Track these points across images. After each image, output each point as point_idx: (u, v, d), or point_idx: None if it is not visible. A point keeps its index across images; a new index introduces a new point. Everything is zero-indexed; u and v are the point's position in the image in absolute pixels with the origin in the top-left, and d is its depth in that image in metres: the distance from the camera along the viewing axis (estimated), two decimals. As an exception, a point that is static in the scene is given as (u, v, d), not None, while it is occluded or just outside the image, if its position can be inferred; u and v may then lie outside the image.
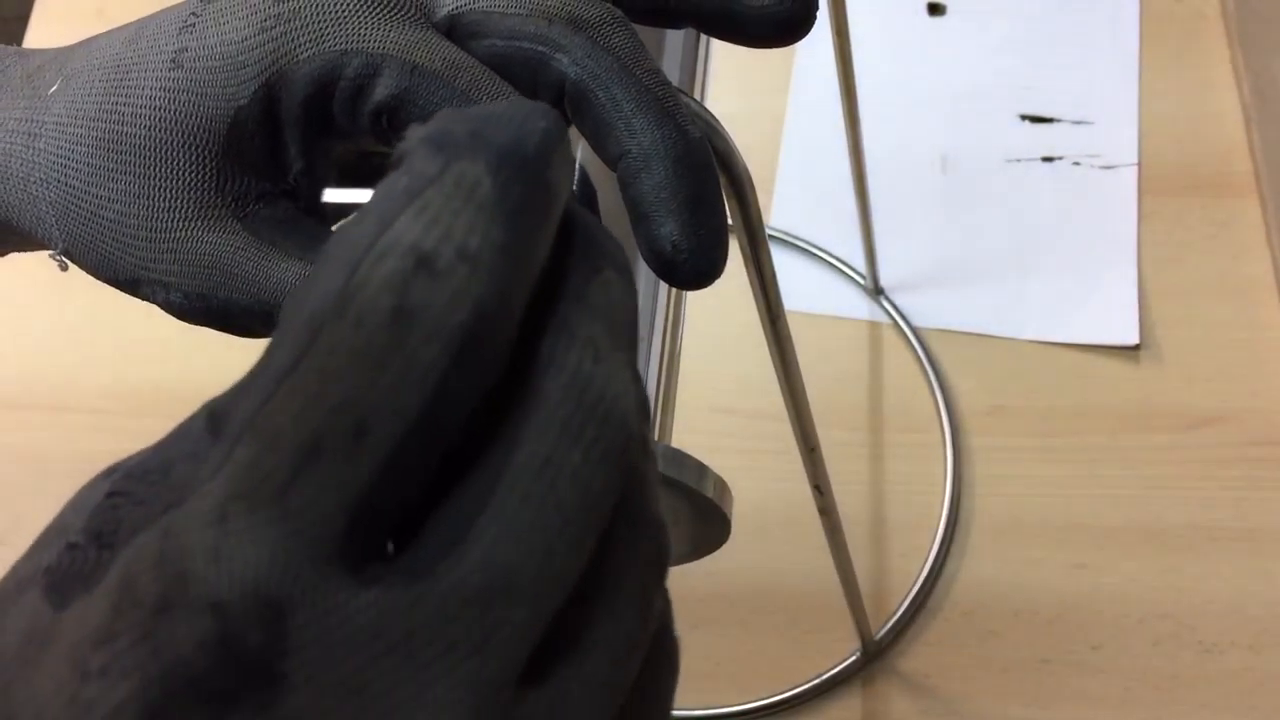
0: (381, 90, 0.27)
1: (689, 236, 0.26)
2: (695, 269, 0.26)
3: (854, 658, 0.61)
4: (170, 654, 0.16)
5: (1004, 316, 0.70)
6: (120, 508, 0.18)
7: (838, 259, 0.73)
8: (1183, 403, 0.66)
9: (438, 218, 0.18)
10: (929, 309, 0.71)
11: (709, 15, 0.30)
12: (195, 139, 0.28)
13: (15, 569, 0.19)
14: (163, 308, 0.30)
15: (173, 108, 0.28)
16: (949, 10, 0.82)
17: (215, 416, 0.18)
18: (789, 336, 0.38)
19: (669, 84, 0.28)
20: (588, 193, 0.30)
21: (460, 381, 0.18)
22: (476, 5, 0.28)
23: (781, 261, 0.71)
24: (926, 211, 0.74)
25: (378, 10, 0.28)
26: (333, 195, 0.28)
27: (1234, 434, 0.65)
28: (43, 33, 0.86)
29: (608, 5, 0.28)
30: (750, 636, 0.62)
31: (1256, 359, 0.67)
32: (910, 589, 0.62)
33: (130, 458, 0.19)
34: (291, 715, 0.17)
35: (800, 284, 0.72)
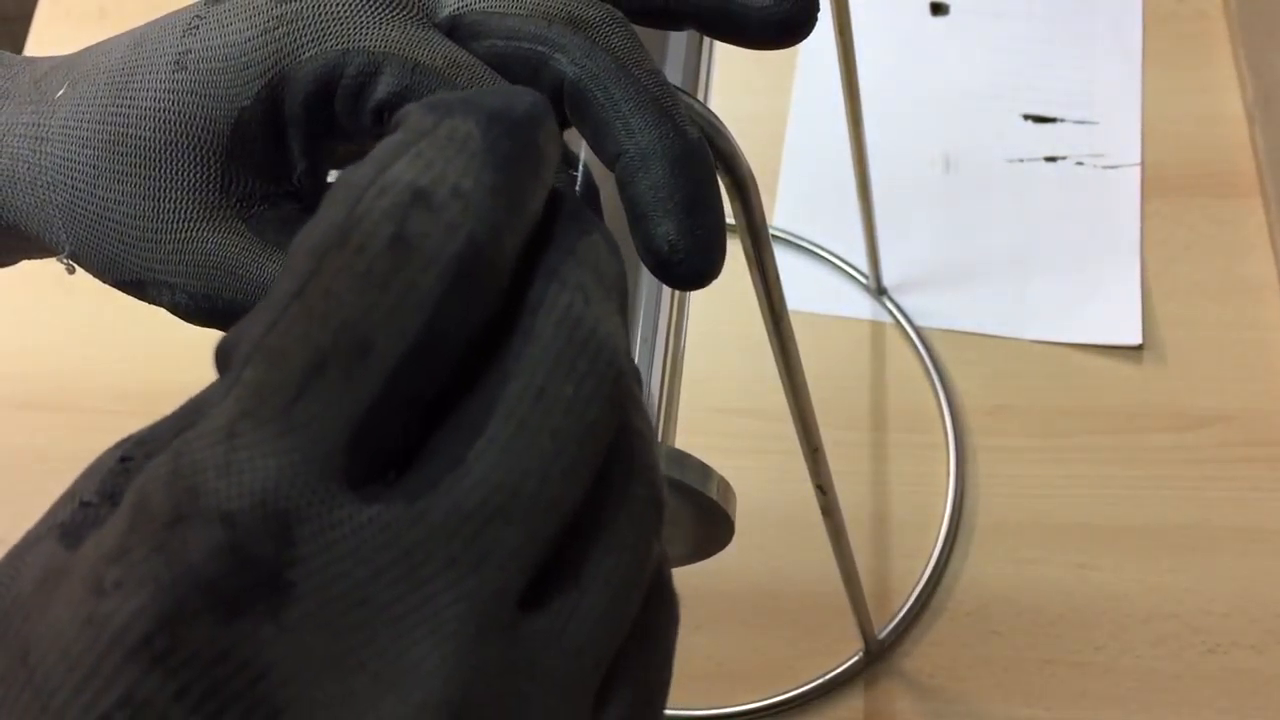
0: (383, 89, 0.28)
1: (686, 236, 0.26)
2: (692, 269, 0.26)
3: (857, 658, 0.61)
4: (182, 562, 0.17)
5: (1007, 316, 0.70)
6: (132, 470, 0.19)
7: (840, 259, 0.73)
8: (1185, 403, 0.66)
9: (432, 163, 0.19)
10: (932, 309, 0.71)
11: (709, 16, 0.30)
12: (200, 140, 0.29)
13: (28, 533, 0.20)
14: (168, 309, 0.30)
15: (177, 109, 0.29)
16: (952, 10, 0.82)
17: (223, 352, 0.19)
18: (792, 337, 0.38)
19: (667, 84, 0.28)
20: (590, 193, 0.30)
21: (456, 309, 0.19)
22: (477, 5, 0.28)
23: (784, 261, 0.71)
24: (929, 211, 0.74)
25: (379, 10, 0.28)
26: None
27: (1237, 434, 0.65)
28: (45, 33, 0.86)
29: (607, 6, 0.28)
30: (753, 636, 0.62)
31: (1259, 359, 0.67)
32: (913, 589, 0.62)
33: (142, 428, 0.20)
34: (298, 622, 0.17)
35: (803, 284, 0.72)
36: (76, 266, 0.31)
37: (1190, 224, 0.72)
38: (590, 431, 0.19)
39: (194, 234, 0.29)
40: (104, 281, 0.31)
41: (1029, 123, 0.77)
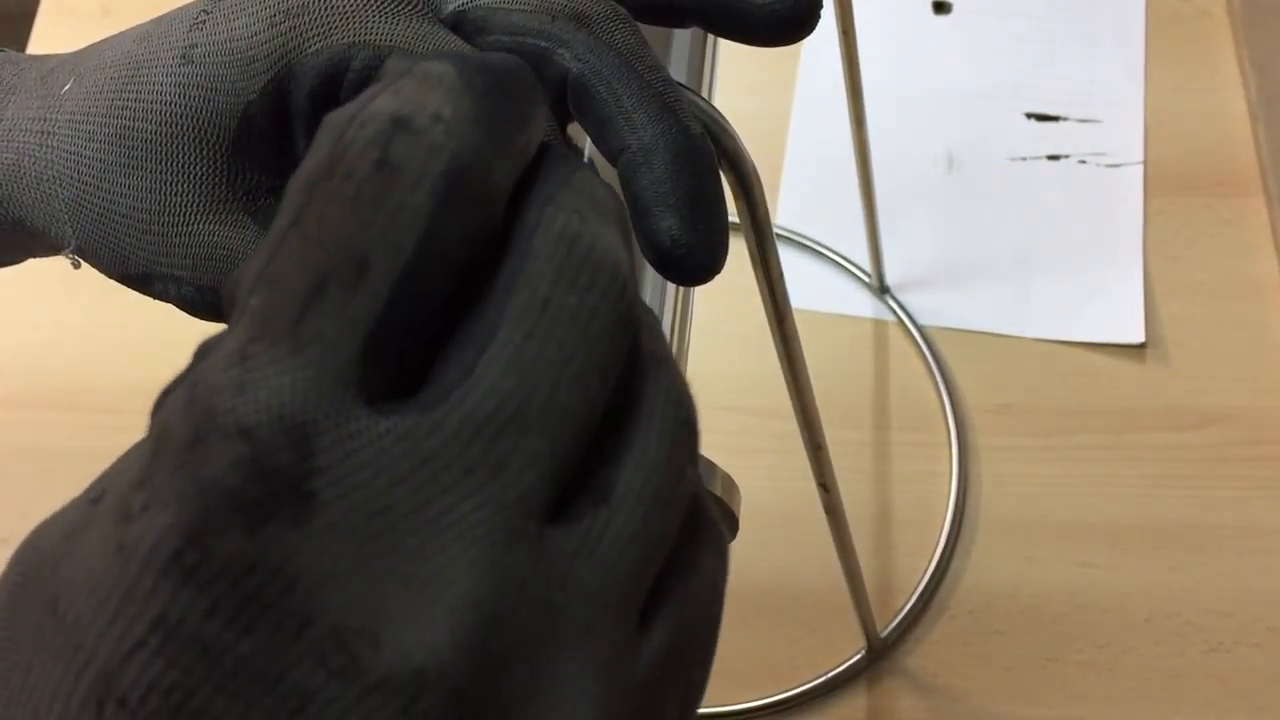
0: None
1: (688, 231, 0.26)
2: (694, 264, 0.26)
3: (859, 656, 0.61)
4: (204, 476, 0.17)
5: (1009, 315, 0.70)
6: None
7: (843, 257, 0.73)
8: (1188, 401, 0.66)
9: (411, 96, 0.19)
10: (934, 307, 0.71)
11: (713, 13, 0.30)
12: (206, 134, 0.29)
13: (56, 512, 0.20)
14: (174, 303, 0.30)
15: (183, 103, 0.29)
16: (954, 8, 0.81)
17: (230, 294, 0.19)
18: (796, 336, 0.38)
19: (671, 80, 0.28)
20: None
21: (448, 227, 0.19)
22: (482, 1, 0.29)
23: (786, 259, 0.70)
24: (932, 210, 0.74)
25: (385, 5, 0.28)
26: None
27: (1240, 432, 0.65)
28: (48, 31, 0.87)
29: (611, 3, 0.28)
30: (755, 635, 0.62)
31: (1262, 357, 0.67)
32: (916, 587, 0.62)
33: None
34: (323, 531, 0.17)
35: (805, 282, 0.72)
36: (82, 261, 0.31)
37: (1193, 223, 0.72)
38: (598, 341, 0.19)
39: (200, 227, 0.29)
40: (109, 276, 0.31)
41: (1031, 121, 0.77)
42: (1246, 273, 0.70)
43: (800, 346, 0.39)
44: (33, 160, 0.30)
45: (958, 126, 0.77)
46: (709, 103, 0.31)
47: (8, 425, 0.72)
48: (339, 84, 0.28)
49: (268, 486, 0.17)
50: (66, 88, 0.31)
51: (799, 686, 0.60)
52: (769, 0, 0.29)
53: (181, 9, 0.30)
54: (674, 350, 0.32)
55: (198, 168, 0.29)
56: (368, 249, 0.18)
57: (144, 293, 0.31)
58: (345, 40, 0.28)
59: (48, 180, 0.30)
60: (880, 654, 0.61)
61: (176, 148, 0.29)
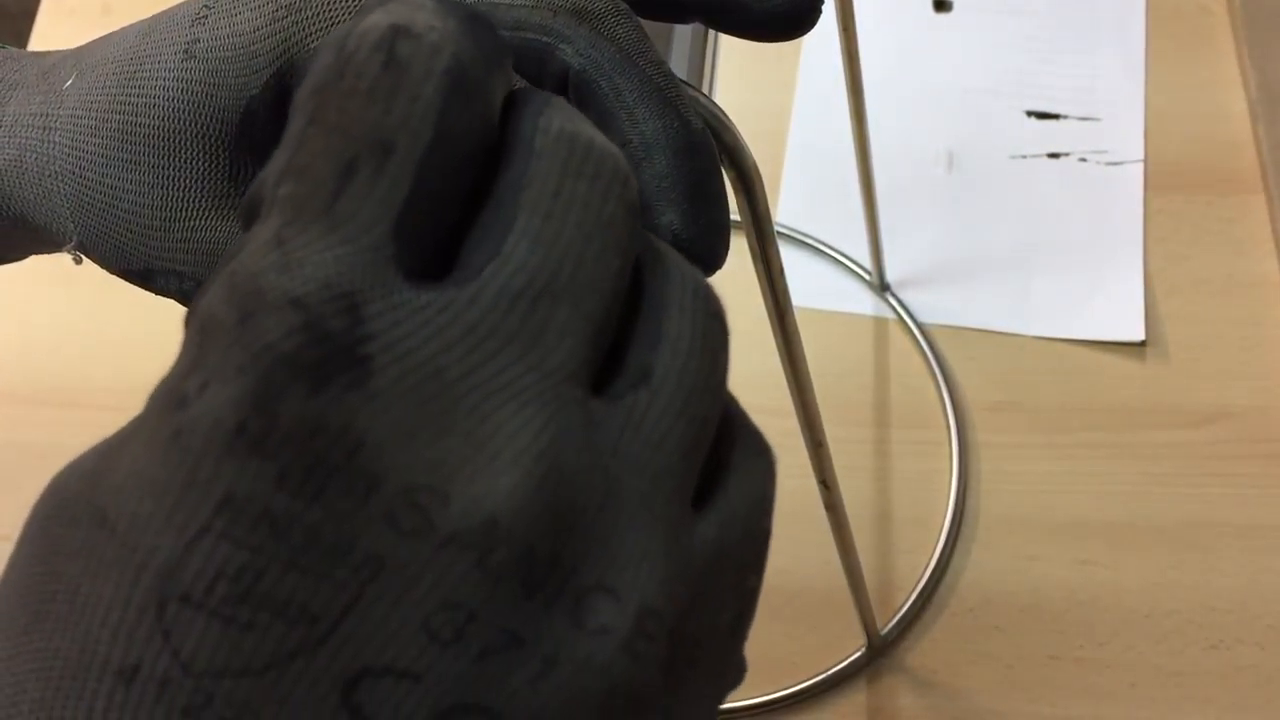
0: None
1: (690, 226, 0.26)
2: (696, 259, 0.26)
3: (859, 653, 0.61)
4: (260, 343, 0.17)
5: (1009, 312, 0.70)
6: None
7: (843, 255, 0.73)
8: (1188, 399, 0.66)
9: (402, 12, 0.20)
10: (934, 305, 0.71)
11: (714, 8, 0.30)
12: (208, 129, 0.29)
13: None
14: (176, 298, 0.30)
15: (186, 98, 0.29)
16: (955, 6, 0.81)
17: (249, 204, 0.20)
18: (797, 332, 0.38)
19: (672, 75, 0.28)
20: None
21: (458, 117, 0.19)
22: None
23: (787, 257, 0.70)
24: (932, 207, 0.74)
25: None
26: None
27: (1240, 430, 0.65)
28: (49, 30, 0.87)
29: None
30: (755, 632, 0.62)
31: (1262, 355, 0.67)
32: (916, 585, 0.62)
33: None
34: (383, 392, 0.18)
35: (805, 280, 0.72)
36: (84, 257, 0.31)
37: (1193, 221, 0.72)
38: (610, 223, 0.20)
39: (202, 222, 0.29)
40: (111, 271, 0.31)
41: (1032, 119, 0.77)
42: (1247, 271, 0.70)
43: (801, 343, 0.39)
44: (35, 156, 0.31)
45: (958, 124, 0.77)
46: (709, 98, 0.31)
47: (8, 422, 0.73)
48: None
49: (325, 350, 0.17)
50: (69, 83, 0.31)
51: (799, 684, 0.61)
52: None
53: (183, 4, 0.30)
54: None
55: (200, 163, 0.29)
56: (390, 135, 0.19)
57: (146, 288, 0.31)
58: None
59: (49, 176, 0.30)
60: (880, 651, 0.61)
61: (179, 143, 0.29)
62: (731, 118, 0.31)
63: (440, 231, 0.19)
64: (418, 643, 0.17)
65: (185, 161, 0.29)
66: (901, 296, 0.71)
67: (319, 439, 0.17)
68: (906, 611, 0.62)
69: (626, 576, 0.18)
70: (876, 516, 0.65)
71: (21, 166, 0.31)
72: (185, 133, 0.29)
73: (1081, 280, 0.71)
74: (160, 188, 0.29)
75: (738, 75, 0.79)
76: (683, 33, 0.35)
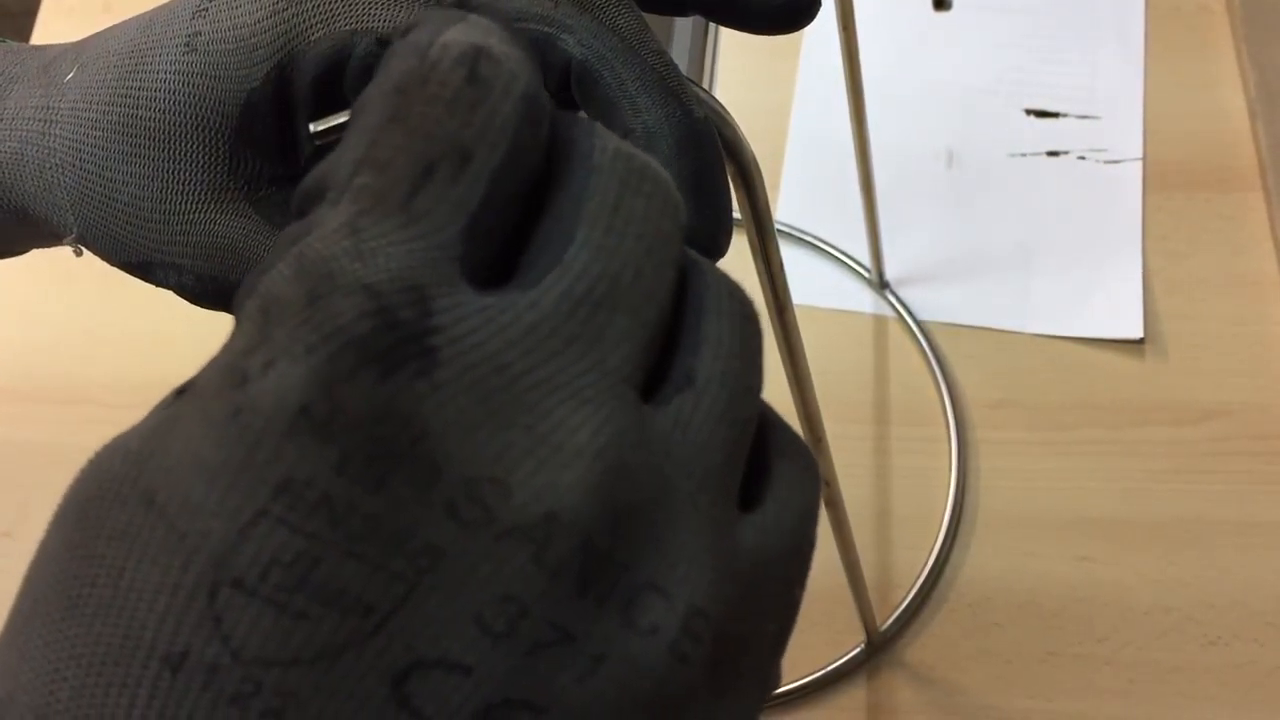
0: None
1: (692, 215, 0.26)
2: (699, 248, 0.27)
3: (859, 650, 0.61)
4: (332, 324, 0.17)
5: (1009, 310, 0.70)
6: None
7: (843, 253, 0.73)
8: (1186, 396, 0.67)
9: (477, 34, 0.20)
10: (934, 303, 0.71)
11: (712, 1, 0.30)
12: (208, 122, 0.29)
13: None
14: (175, 291, 0.31)
15: (186, 91, 0.29)
16: (955, 4, 0.81)
17: (309, 190, 0.20)
18: (796, 326, 0.38)
19: (674, 65, 0.28)
20: None
21: (529, 138, 0.20)
22: None
23: (787, 255, 0.70)
24: (932, 205, 0.74)
25: None
26: (319, 125, 0.28)
27: (1238, 427, 0.65)
28: (50, 28, 0.87)
29: None
30: (755, 629, 0.62)
31: (1260, 353, 0.67)
32: (915, 581, 0.62)
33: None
34: (449, 382, 0.18)
35: (805, 278, 0.72)
36: (84, 249, 0.31)
37: (1192, 219, 0.72)
38: (667, 239, 0.20)
39: (202, 215, 0.29)
40: (111, 264, 0.31)
41: (1031, 118, 0.77)
42: (1245, 268, 0.70)
43: (800, 338, 0.39)
44: (35, 149, 0.31)
45: (958, 122, 0.77)
46: (709, 93, 0.31)
47: (9, 419, 0.73)
48: (341, 72, 0.28)
49: (395, 337, 0.17)
50: (69, 76, 0.31)
51: (799, 680, 0.61)
52: None
53: None
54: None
55: (200, 156, 0.29)
56: (470, 144, 0.19)
57: (145, 280, 0.31)
58: (347, 27, 0.28)
59: (50, 169, 0.30)
60: (880, 647, 0.61)
61: (179, 136, 0.29)
62: (731, 114, 0.31)
63: (500, 240, 0.20)
64: (470, 635, 0.17)
65: (185, 154, 0.29)
66: (901, 294, 0.71)
67: (384, 426, 0.17)
68: (906, 608, 0.62)
69: (677, 575, 0.19)
70: (876, 513, 0.65)
71: (22, 159, 0.31)
72: (185, 126, 0.29)
73: (1080, 278, 0.71)
74: (160, 180, 0.29)
75: (738, 73, 0.79)
76: (683, 29, 0.35)
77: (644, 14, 0.29)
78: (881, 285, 0.71)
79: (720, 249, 0.27)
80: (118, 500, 0.17)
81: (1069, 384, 0.68)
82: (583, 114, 0.23)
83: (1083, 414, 0.67)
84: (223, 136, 0.29)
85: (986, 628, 0.61)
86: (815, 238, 0.74)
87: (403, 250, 0.18)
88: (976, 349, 0.69)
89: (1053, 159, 0.75)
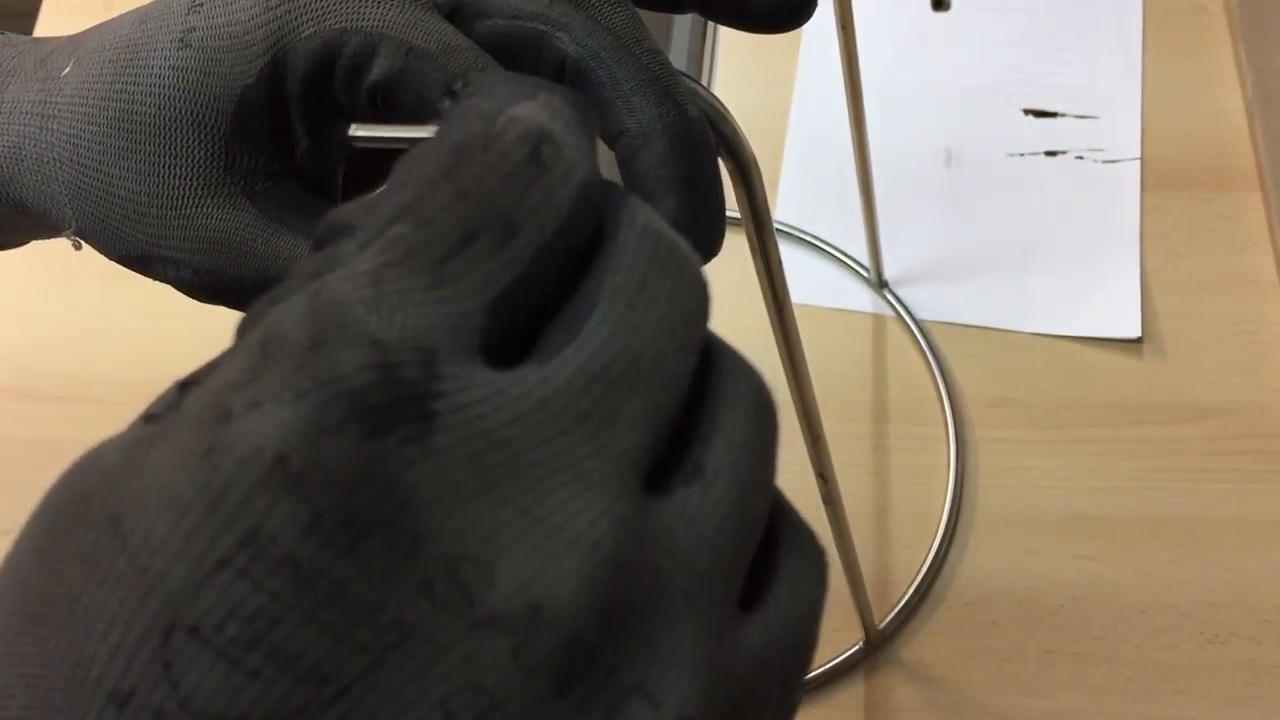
0: (378, 70, 0.28)
1: (686, 213, 0.26)
2: (693, 246, 0.27)
3: (857, 647, 0.61)
4: (328, 375, 0.16)
5: (1007, 309, 0.70)
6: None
7: (841, 252, 0.73)
8: (1185, 396, 0.67)
9: (546, 114, 0.20)
10: (932, 302, 0.71)
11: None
12: (204, 117, 0.29)
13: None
14: (173, 284, 0.31)
15: (182, 86, 0.29)
16: (954, 4, 0.82)
17: (333, 225, 0.19)
18: (794, 323, 0.38)
19: (668, 64, 0.28)
20: None
21: (576, 225, 0.19)
22: None
23: (785, 254, 0.71)
24: (930, 205, 0.74)
25: None
26: (361, 130, 0.28)
27: (1236, 427, 0.65)
28: (50, 27, 0.87)
29: None
30: (754, 627, 0.62)
31: (1258, 352, 0.68)
32: (913, 580, 0.63)
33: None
34: (444, 452, 0.17)
35: (804, 277, 0.72)
36: (83, 243, 0.31)
37: (1190, 218, 0.72)
38: (690, 322, 0.20)
39: (198, 210, 0.29)
40: (110, 258, 0.31)
41: (1030, 117, 0.77)
42: (1243, 268, 0.70)
43: (799, 337, 0.39)
44: (33, 143, 0.31)
45: (956, 122, 0.77)
46: (707, 90, 0.31)
47: (9, 418, 0.73)
48: (331, 70, 0.28)
49: (394, 395, 0.17)
50: (66, 71, 0.31)
51: (797, 678, 0.61)
52: None
53: None
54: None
55: (195, 151, 0.29)
56: (518, 220, 0.19)
57: (143, 274, 0.31)
58: (337, 25, 0.28)
59: (48, 162, 0.31)
60: (878, 645, 0.61)
61: (174, 131, 0.29)
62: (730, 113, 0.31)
63: (522, 322, 0.19)
64: None
65: (181, 149, 0.29)
66: (900, 293, 0.71)
67: (365, 488, 0.16)
68: (904, 606, 0.62)
69: (667, 682, 0.18)
70: (874, 511, 0.65)
71: (20, 153, 0.31)
72: (181, 121, 0.29)
73: (1079, 277, 0.71)
74: (156, 174, 0.29)
75: (737, 72, 0.79)
76: (682, 29, 0.35)
77: (641, 11, 0.29)
78: (880, 284, 0.72)
79: (714, 247, 0.27)
80: (86, 518, 0.17)
81: (1067, 383, 0.68)
82: (619, 184, 0.22)
83: (1081, 413, 0.67)
84: (218, 132, 0.29)
85: (985, 626, 0.61)
86: (814, 237, 0.74)
87: (422, 311, 0.18)
88: (975, 348, 0.69)
89: (1051, 159, 0.75)
